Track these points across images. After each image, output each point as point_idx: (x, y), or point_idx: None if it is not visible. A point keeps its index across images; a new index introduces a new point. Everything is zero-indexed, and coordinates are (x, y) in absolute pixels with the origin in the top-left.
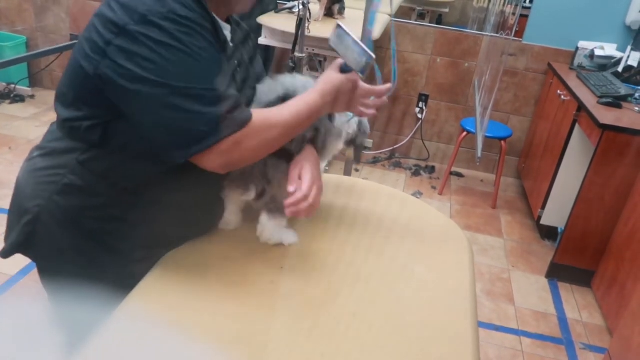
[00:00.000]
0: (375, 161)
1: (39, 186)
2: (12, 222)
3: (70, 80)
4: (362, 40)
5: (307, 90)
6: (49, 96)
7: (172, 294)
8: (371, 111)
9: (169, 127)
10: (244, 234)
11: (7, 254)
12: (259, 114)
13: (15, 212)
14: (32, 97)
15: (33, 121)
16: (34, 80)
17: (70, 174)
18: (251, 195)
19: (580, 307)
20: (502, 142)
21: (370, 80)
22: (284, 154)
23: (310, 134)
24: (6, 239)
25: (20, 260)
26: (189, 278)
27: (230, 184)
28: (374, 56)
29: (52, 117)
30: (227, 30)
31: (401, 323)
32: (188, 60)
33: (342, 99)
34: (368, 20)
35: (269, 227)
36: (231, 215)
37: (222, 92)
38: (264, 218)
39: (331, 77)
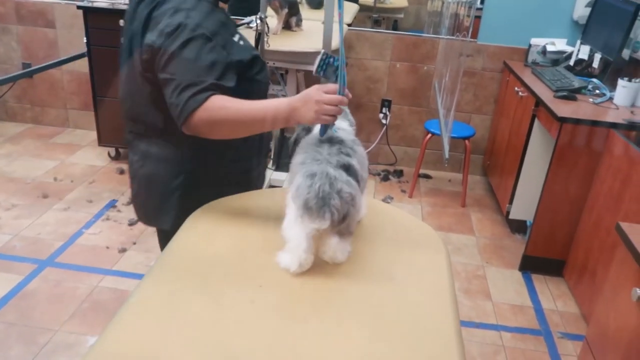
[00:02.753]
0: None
1: (171, 170)
2: (158, 207)
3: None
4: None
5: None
6: (5, 127)
7: (149, 325)
8: (331, 118)
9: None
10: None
11: (170, 233)
12: (220, 98)
13: (159, 198)
14: None
15: None
16: None
17: (185, 155)
18: (327, 223)
19: (555, 297)
20: (466, 142)
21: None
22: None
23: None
24: (156, 221)
25: None
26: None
27: (304, 216)
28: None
29: (11, 149)
30: None
31: (385, 329)
32: None
33: (310, 104)
34: (339, 33)
35: (339, 248)
36: (309, 251)
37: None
38: (335, 240)
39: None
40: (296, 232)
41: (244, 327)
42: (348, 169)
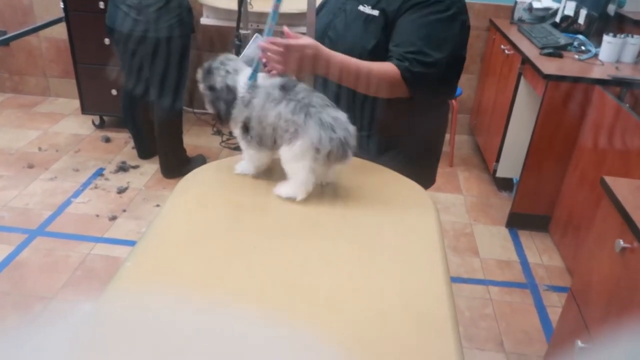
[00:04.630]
0: None
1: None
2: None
3: None
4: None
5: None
6: None
7: (145, 288)
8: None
9: None
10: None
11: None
12: None
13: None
14: None
15: None
16: None
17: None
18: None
19: (541, 252)
20: (453, 101)
21: None
22: None
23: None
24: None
25: None
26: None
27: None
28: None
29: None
30: None
31: (378, 287)
32: None
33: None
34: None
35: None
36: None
37: None
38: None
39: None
40: (305, 167)
41: (238, 287)
42: (330, 102)
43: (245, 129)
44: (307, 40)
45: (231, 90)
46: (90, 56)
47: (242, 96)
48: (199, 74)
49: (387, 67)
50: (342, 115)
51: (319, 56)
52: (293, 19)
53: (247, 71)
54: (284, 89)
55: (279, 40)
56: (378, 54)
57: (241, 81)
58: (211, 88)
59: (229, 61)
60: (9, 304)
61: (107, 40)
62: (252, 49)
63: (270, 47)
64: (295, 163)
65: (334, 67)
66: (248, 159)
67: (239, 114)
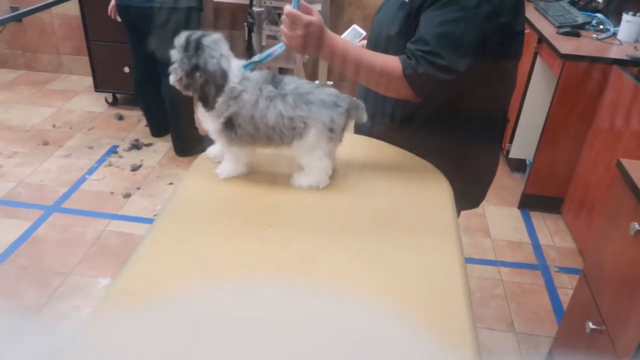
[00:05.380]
0: None
1: None
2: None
3: None
4: None
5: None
6: None
7: (163, 266)
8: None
9: None
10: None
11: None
12: None
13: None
14: None
15: None
16: None
17: None
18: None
19: (552, 233)
20: None
21: None
22: None
23: None
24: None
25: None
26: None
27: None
28: None
29: (5, 96)
30: None
31: (392, 267)
32: None
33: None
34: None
35: None
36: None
37: None
38: None
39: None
40: (322, 154)
41: (254, 265)
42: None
43: (230, 124)
44: (315, 18)
45: (224, 76)
46: (102, 33)
47: (233, 87)
48: (180, 44)
49: (390, 61)
50: (334, 90)
51: (323, 38)
52: None
53: (238, 60)
54: (273, 83)
55: (291, 11)
56: (398, 42)
57: (234, 68)
58: (197, 67)
59: (222, 43)
60: (28, 279)
61: (119, 18)
62: (350, 36)
63: (283, 19)
64: (311, 153)
65: (338, 53)
66: (232, 159)
67: (223, 106)
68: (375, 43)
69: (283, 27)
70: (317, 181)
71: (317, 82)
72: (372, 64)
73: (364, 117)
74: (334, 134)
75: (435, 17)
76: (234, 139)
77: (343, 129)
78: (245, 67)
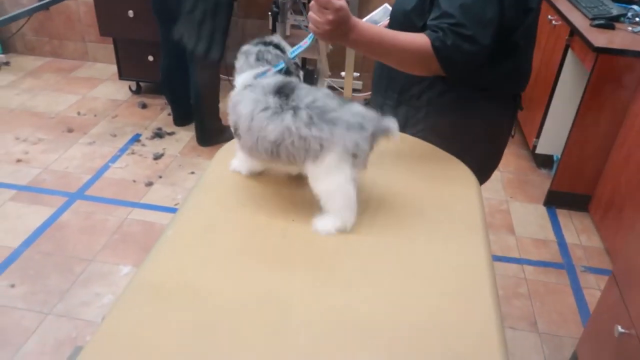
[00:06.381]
0: (366, 104)
1: None
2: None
3: None
4: None
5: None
6: (25, 61)
7: (186, 257)
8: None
9: None
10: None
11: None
12: None
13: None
14: (6, 64)
15: (11, 89)
16: (6, 46)
17: None
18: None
19: (579, 232)
20: None
21: None
22: None
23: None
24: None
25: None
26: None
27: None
28: None
29: (32, 83)
30: None
31: (417, 264)
32: None
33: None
34: None
35: None
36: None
37: None
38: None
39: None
40: (344, 185)
41: (277, 258)
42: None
43: (236, 131)
44: (343, 3)
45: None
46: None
47: (233, 96)
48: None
49: (417, 37)
50: (362, 108)
51: (350, 22)
52: None
53: (252, 70)
54: (281, 93)
55: None
56: (413, 18)
57: (238, 80)
58: None
59: (241, 55)
60: (52, 264)
61: None
62: (379, 15)
63: (312, 5)
64: (329, 180)
65: (365, 37)
66: (240, 159)
67: (230, 113)
68: (392, 21)
69: (312, 14)
70: (343, 222)
71: (342, 73)
72: (400, 42)
73: (397, 135)
74: (357, 159)
75: None
76: (242, 145)
77: (368, 154)
78: (275, 67)
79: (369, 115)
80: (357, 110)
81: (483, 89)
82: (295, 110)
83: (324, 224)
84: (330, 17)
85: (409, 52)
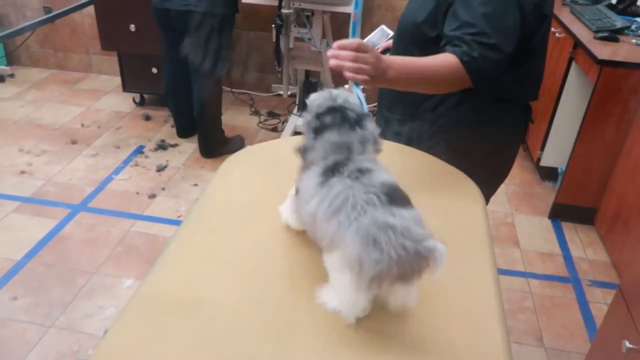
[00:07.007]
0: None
1: None
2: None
3: None
4: None
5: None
6: (30, 73)
7: (189, 270)
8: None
9: None
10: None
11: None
12: None
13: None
14: (11, 76)
15: (16, 101)
16: (11, 58)
17: None
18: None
19: (585, 245)
20: None
21: None
22: None
23: None
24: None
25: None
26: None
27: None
28: None
29: (36, 95)
30: None
31: (422, 279)
32: None
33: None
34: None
35: (411, 295)
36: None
37: None
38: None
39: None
40: (349, 284)
41: (282, 271)
42: (394, 192)
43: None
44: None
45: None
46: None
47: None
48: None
49: (443, 57)
50: (402, 218)
51: (383, 59)
52: None
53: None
54: (329, 172)
55: (347, 42)
56: (426, 29)
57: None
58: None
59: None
60: (54, 276)
61: None
62: (377, 36)
63: (339, 54)
64: (337, 274)
65: (402, 70)
66: (290, 212)
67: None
68: (401, 34)
69: (349, 64)
70: (345, 309)
71: (345, 86)
72: (432, 67)
73: (410, 282)
74: (361, 276)
75: (474, 0)
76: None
77: (378, 280)
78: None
79: (400, 233)
80: (386, 220)
81: (498, 98)
82: (323, 196)
83: (328, 299)
84: (372, 59)
85: (443, 75)
